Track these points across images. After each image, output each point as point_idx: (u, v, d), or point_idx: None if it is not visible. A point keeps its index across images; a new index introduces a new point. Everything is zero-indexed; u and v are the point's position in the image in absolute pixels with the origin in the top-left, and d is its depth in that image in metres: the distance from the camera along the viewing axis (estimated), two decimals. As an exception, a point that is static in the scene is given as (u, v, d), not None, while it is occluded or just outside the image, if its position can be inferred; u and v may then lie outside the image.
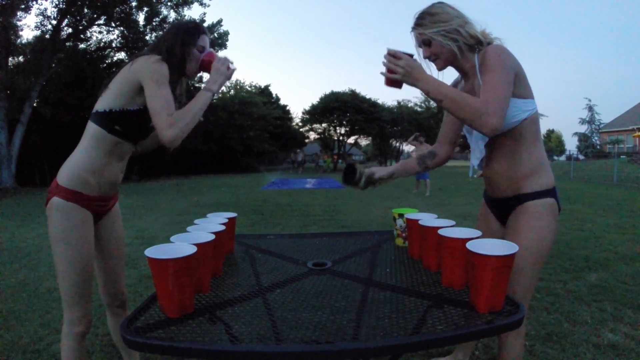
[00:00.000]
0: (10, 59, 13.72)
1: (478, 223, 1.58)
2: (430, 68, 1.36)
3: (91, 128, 1.34)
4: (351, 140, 34.73)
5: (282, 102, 35.08)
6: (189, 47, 1.40)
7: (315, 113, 30.38)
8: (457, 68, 1.39)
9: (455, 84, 1.51)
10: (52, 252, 1.34)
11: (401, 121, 32.12)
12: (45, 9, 16.08)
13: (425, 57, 1.36)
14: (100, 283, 1.55)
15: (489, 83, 1.19)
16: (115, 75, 1.34)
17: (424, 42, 1.34)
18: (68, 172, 1.33)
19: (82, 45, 16.37)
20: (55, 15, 14.25)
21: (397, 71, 1.25)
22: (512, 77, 1.22)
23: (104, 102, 1.32)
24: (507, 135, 1.30)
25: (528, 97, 1.29)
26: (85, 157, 1.33)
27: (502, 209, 1.42)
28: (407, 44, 1.83)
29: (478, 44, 1.30)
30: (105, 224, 1.49)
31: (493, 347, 2.07)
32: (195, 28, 1.43)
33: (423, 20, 1.32)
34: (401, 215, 1.51)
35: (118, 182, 1.45)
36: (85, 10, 14.82)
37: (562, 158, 35.52)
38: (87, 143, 1.34)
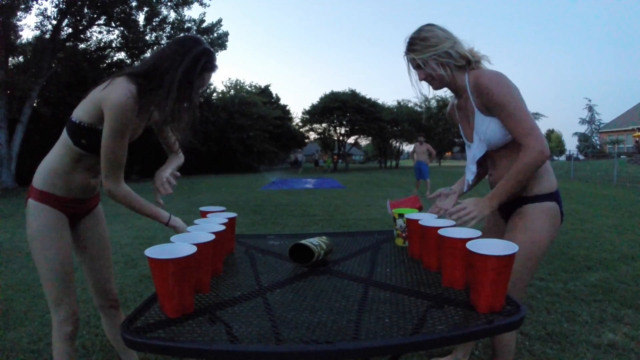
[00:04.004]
0: (10, 59, 13.72)
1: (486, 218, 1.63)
2: (428, 89, 1.46)
3: (64, 134, 1.32)
4: (351, 140, 34.74)
5: (282, 102, 35.14)
6: (188, 90, 1.27)
7: (315, 113, 30.38)
8: (450, 87, 1.46)
9: (452, 106, 1.59)
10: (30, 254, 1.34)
11: (401, 121, 32.12)
12: (45, 9, 16.05)
13: (421, 80, 1.43)
14: (90, 285, 1.55)
15: (511, 120, 1.27)
16: (94, 88, 1.28)
17: (417, 66, 1.41)
18: (40, 174, 1.33)
19: (82, 45, 16.38)
20: (55, 15, 14.27)
21: (472, 216, 1.28)
22: (517, 91, 1.29)
23: (78, 112, 1.29)
24: (503, 148, 1.38)
25: None
26: (55, 160, 1.32)
27: (505, 211, 1.48)
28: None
29: (467, 63, 1.38)
30: (86, 226, 1.49)
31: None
32: (204, 64, 1.27)
33: (415, 46, 1.38)
34: (401, 215, 1.51)
35: (91, 187, 1.43)
36: (85, 10, 14.84)
37: (562, 158, 35.50)
38: (58, 147, 1.33)
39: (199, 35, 1.39)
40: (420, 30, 1.39)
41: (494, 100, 1.28)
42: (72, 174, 1.33)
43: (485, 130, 1.35)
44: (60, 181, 1.33)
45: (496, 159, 1.44)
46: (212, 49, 1.32)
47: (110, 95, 1.20)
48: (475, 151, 1.42)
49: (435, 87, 1.44)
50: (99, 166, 1.30)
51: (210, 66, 1.31)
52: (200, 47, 1.28)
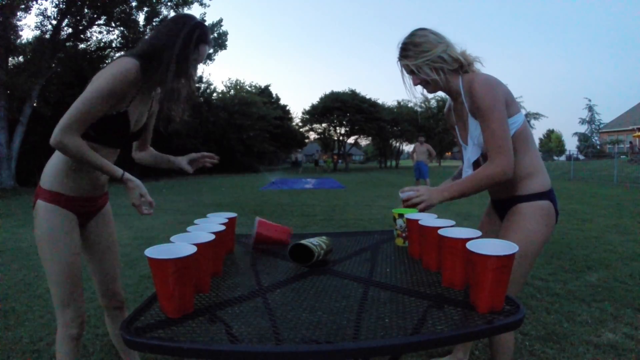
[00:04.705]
0: (10, 59, 13.71)
1: (483, 217, 1.66)
2: (424, 91, 1.47)
3: None
4: (351, 140, 34.76)
5: (282, 102, 35.21)
6: (185, 65, 1.28)
7: (315, 113, 30.42)
8: (445, 91, 1.46)
9: (449, 108, 1.59)
10: (39, 255, 1.32)
11: (401, 121, 32.14)
12: (45, 9, 16.06)
13: (415, 85, 1.44)
14: (96, 285, 1.54)
15: (488, 132, 1.29)
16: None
17: (411, 72, 1.42)
18: (47, 174, 1.31)
19: (82, 45, 16.36)
20: (55, 15, 14.26)
21: (420, 200, 1.37)
22: (504, 106, 1.30)
23: None
24: None
25: (513, 114, 1.36)
26: (62, 159, 1.30)
27: (500, 210, 1.50)
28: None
29: (460, 67, 1.38)
30: (95, 225, 1.47)
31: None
32: (198, 37, 1.30)
33: (408, 52, 1.39)
34: (401, 215, 1.50)
35: (101, 184, 1.41)
36: (85, 10, 14.82)
37: (562, 158, 35.50)
38: None
39: (189, 13, 1.42)
40: (412, 35, 1.39)
41: (478, 107, 1.30)
42: (80, 171, 1.32)
43: (479, 135, 1.37)
44: (69, 180, 1.31)
45: None
46: (204, 23, 1.34)
47: (115, 65, 1.21)
48: (470, 155, 1.43)
49: (430, 91, 1.46)
50: (108, 158, 1.30)
51: (205, 38, 1.32)
52: (193, 21, 1.31)
